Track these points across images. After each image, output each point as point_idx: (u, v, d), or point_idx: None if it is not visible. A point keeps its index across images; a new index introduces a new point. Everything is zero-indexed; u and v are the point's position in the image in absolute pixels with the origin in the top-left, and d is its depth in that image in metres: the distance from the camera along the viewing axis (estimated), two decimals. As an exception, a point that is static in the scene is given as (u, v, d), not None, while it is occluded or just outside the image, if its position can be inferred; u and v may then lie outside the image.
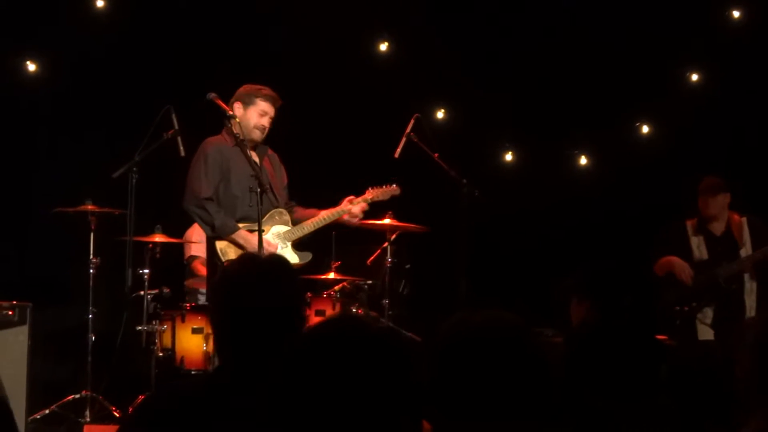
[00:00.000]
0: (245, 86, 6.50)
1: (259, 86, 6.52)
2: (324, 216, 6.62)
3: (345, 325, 1.77)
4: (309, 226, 6.58)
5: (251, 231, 6.27)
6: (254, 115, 6.44)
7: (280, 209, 6.49)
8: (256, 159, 6.46)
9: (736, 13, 9.07)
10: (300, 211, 6.67)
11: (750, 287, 7.27)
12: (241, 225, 6.32)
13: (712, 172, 7.55)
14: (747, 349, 2.51)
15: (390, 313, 7.15)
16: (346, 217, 6.68)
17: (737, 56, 8.88)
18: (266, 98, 6.47)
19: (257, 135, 6.47)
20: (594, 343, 2.60)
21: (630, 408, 2.49)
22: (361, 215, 6.76)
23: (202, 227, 6.49)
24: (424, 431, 2.07)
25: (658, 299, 7.36)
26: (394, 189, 6.91)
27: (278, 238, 6.51)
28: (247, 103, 6.44)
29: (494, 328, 2.04)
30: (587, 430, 2.45)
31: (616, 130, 9.29)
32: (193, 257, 7.86)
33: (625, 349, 2.57)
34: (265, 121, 6.46)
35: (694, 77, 9.30)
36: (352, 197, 6.75)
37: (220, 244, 6.26)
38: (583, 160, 9.60)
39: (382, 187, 6.87)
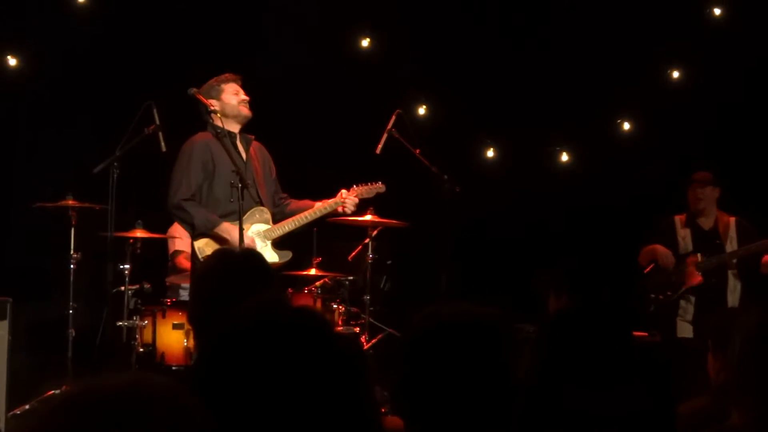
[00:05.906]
0: (204, 86, 6.53)
1: (212, 79, 6.56)
2: (319, 207, 6.61)
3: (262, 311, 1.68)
4: (290, 224, 6.56)
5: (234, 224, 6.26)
6: (230, 96, 6.49)
7: (261, 207, 6.46)
8: (242, 150, 6.47)
9: (717, 11, 9.11)
10: (295, 203, 6.67)
11: (734, 285, 7.31)
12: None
13: (694, 169, 7.59)
14: (738, 341, 2.48)
15: (371, 308, 7.16)
16: (340, 209, 6.70)
17: (718, 54, 8.92)
18: (228, 80, 6.54)
19: (246, 111, 6.51)
20: (566, 331, 2.60)
21: (603, 396, 2.48)
22: (354, 208, 6.76)
23: (184, 228, 6.50)
24: (396, 427, 2.07)
25: (634, 288, 7.43)
26: (379, 186, 6.92)
27: (258, 237, 6.50)
28: (216, 95, 6.48)
29: (463, 322, 2.05)
30: (562, 419, 2.44)
31: (597, 126, 9.32)
32: (178, 252, 7.83)
33: (599, 337, 2.57)
34: (242, 95, 6.52)
35: (675, 74, 9.33)
36: (344, 190, 6.75)
37: (198, 243, 6.24)
38: (564, 157, 9.62)
39: (367, 184, 6.88)
